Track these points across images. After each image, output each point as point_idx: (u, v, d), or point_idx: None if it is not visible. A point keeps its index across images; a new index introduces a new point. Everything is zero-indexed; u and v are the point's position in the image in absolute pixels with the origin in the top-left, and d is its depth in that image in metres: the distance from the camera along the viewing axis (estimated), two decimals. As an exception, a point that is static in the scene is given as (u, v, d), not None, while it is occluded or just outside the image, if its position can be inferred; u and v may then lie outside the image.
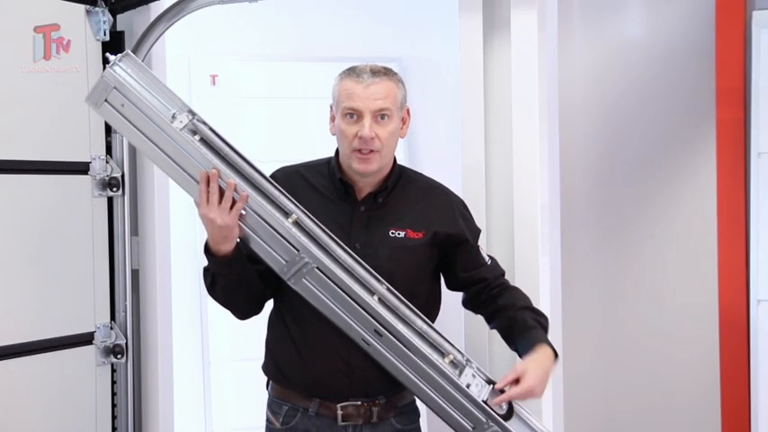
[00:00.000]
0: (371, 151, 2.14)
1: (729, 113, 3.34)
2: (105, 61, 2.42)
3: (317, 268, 2.12)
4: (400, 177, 2.26)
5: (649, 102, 3.50)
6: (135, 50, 2.76)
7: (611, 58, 3.52)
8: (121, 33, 2.83)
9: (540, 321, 2.25)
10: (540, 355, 2.16)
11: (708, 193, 3.40)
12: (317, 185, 2.24)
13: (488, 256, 2.32)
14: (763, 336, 3.24)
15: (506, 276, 2.35)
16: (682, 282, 3.49)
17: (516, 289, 2.33)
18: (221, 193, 2.07)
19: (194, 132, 2.13)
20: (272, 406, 2.28)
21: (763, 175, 3.24)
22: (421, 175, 2.35)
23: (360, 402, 2.19)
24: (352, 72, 2.17)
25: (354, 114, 2.14)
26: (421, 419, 2.34)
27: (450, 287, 2.32)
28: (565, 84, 3.18)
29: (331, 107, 2.22)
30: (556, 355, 2.19)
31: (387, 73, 2.18)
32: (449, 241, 2.24)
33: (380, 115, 2.13)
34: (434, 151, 3.49)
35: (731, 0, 3.31)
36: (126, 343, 2.80)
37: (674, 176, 3.50)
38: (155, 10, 2.80)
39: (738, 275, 3.32)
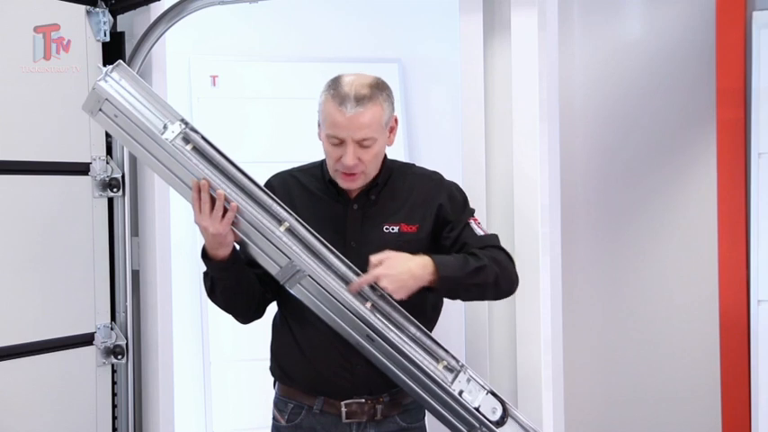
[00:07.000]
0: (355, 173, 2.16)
1: (730, 114, 3.33)
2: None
3: (309, 276, 2.14)
4: (391, 172, 2.27)
5: (649, 102, 3.50)
6: (135, 51, 2.77)
7: (611, 58, 3.52)
8: (122, 34, 2.83)
9: (466, 256, 2.17)
10: (415, 257, 2.13)
11: (708, 194, 3.40)
12: (311, 187, 2.26)
13: (484, 232, 2.26)
14: (764, 336, 3.23)
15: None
16: (682, 282, 3.49)
17: (493, 250, 2.23)
18: (213, 202, 2.09)
19: (187, 141, 2.15)
20: (278, 404, 2.30)
21: (763, 176, 3.23)
22: (412, 166, 2.37)
23: (364, 400, 2.21)
24: (336, 95, 2.13)
25: (337, 140, 2.14)
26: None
27: None
28: (565, 84, 3.18)
29: (318, 113, 2.23)
30: (438, 273, 2.11)
31: (371, 97, 2.14)
32: (438, 223, 2.25)
33: (363, 141, 2.14)
34: (434, 151, 3.49)
35: (731, 0, 3.31)
36: (126, 343, 2.81)
37: (675, 177, 3.50)
38: (155, 11, 2.81)
39: (738, 276, 3.32)
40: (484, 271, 2.17)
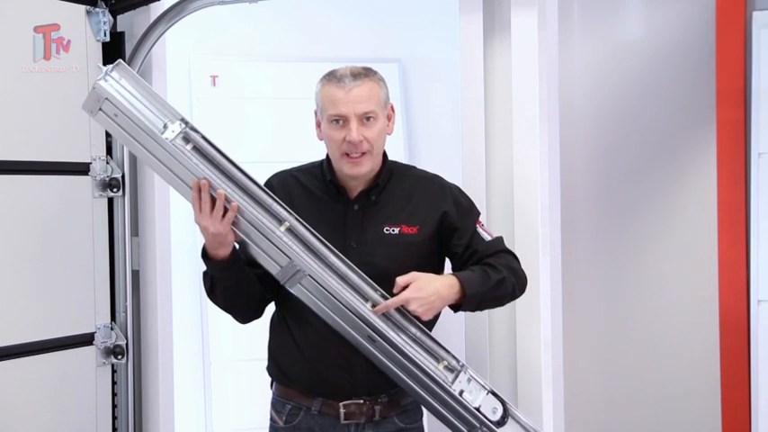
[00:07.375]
0: (362, 154, 2.16)
1: (729, 114, 3.33)
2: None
3: (309, 275, 2.13)
4: (392, 173, 2.27)
5: (649, 102, 3.50)
6: (135, 51, 2.76)
7: (611, 58, 3.52)
8: (122, 34, 2.83)
9: (485, 270, 2.19)
10: (441, 277, 2.16)
11: (708, 194, 3.40)
12: (311, 187, 2.26)
13: (491, 236, 2.29)
14: (764, 336, 3.23)
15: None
16: (682, 282, 3.49)
17: (505, 256, 2.27)
18: (213, 202, 2.09)
19: (187, 141, 2.15)
20: (276, 405, 2.30)
21: (763, 176, 3.23)
22: (413, 168, 2.36)
23: (362, 401, 2.21)
24: (332, 77, 2.18)
25: (340, 120, 2.15)
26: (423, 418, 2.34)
27: (455, 269, 2.29)
28: (565, 84, 3.18)
29: (315, 113, 2.24)
30: (463, 292, 2.14)
31: (367, 74, 2.19)
32: (443, 229, 2.25)
33: (366, 117, 2.15)
34: (435, 151, 3.49)
35: (731, 0, 3.31)
36: (126, 343, 2.81)
37: (675, 176, 3.50)
38: (155, 11, 2.81)
39: (738, 276, 3.32)
40: (504, 284, 2.21)
